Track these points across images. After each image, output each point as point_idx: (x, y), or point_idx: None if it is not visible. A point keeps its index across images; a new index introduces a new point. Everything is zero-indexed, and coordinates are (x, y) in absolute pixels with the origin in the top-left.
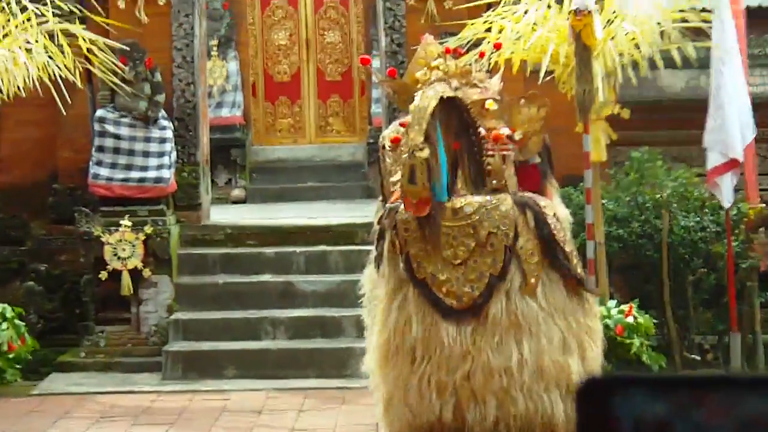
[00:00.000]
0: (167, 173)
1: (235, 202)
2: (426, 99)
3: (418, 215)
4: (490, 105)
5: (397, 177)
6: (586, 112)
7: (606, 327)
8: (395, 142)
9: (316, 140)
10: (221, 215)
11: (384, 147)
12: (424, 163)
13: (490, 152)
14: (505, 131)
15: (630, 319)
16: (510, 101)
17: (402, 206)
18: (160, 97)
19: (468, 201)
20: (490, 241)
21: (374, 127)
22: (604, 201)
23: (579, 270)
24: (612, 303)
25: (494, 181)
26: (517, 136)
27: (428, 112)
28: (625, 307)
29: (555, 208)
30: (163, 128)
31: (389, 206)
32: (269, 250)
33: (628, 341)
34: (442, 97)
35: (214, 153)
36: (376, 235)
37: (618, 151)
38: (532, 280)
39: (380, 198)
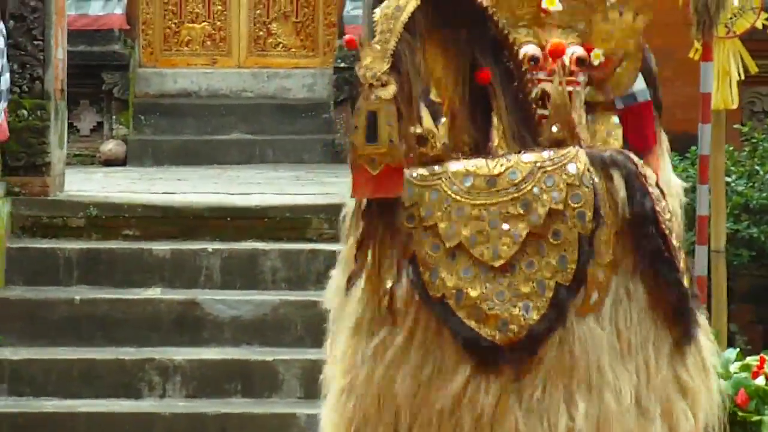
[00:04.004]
0: None
1: (107, 163)
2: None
3: (380, 196)
4: (551, 3)
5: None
6: (710, 25)
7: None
8: None
9: (249, 61)
10: (83, 185)
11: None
12: (390, 106)
13: (545, 79)
14: (577, 50)
15: (761, 381)
16: (590, 1)
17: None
18: None
19: (513, 161)
20: (553, 227)
21: (347, 42)
22: (729, 179)
23: (686, 282)
24: (731, 352)
25: (554, 128)
26: (596, 60)
27: (400, 22)
28: (754, 360)
29: (662, 172)
30: None
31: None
32: (161, 247)
33: (755, 418)
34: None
35: (74, 78)
36: (352, 223)
37: (758, 94)
38: (596, 294)
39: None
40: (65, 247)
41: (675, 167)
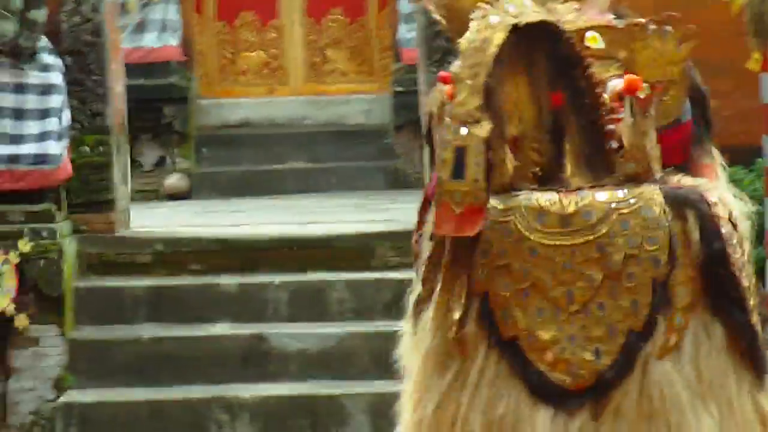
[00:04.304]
0: (56, 147)
1: (171, 197)
2: (484, 31)
3: (461, 234)
4: (593, 40)
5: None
6: (767, 34)
7: None
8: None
9: (306, 89)
10: (148, 220)
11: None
12: (480, 145)
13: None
14: (618, 84)
15: None
16: (628, 29)
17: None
18: (39, 14)
19: (587, 200)
20: (627, 271)
21: (405, 65)
22: None
23: (755, 320)
24: None
25: (629, 165)
26: (642, 93)
27: (489, 56)
28: None
29: (727, 201)
30: (46, 68)
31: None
32: (228, 281)
33: None
34: (516, 26)
35: (134, 112)
36: (423, 255)
37: None
38: (674, 337)
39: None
40: (132, 284)
41: (741, 180)
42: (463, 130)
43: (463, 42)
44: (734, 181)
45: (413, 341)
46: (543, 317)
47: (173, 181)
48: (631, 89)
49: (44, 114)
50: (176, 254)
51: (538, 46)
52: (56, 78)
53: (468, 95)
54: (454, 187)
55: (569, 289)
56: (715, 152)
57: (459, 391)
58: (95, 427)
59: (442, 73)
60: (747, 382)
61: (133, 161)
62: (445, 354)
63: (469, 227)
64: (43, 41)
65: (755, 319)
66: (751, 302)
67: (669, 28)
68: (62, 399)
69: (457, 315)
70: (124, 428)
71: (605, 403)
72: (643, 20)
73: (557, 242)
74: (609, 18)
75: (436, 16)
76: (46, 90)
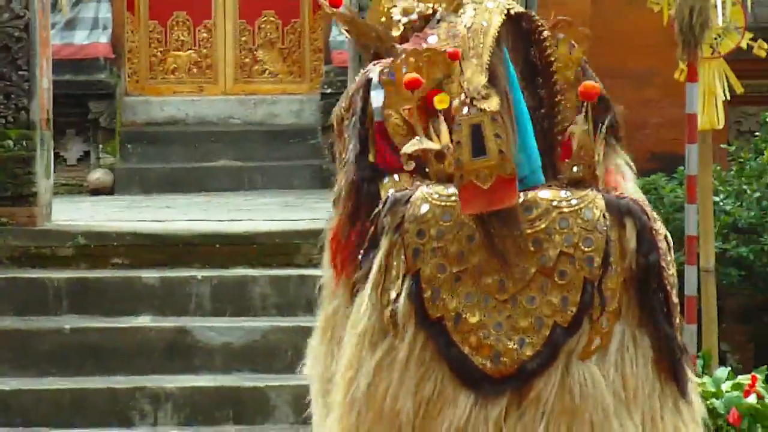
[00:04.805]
0: None
1: (95, 192)
2: (482, 14)
3: (495, 208)
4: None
5: (411, 145)
6: (695, 46)
7: (712, 412)
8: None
9: (235, 88)
10: (71, 214)
11: (349, 111)
12: (496, 117)
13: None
14: None
15: (753, 400)
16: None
17: (419, 196)
18: None
19: (530, 196)
20: (560, 268)
21: (335, 67)
22: (717, 198)
23: (680, 339)
24: (723, 371)
25: (575, 168)
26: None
27: (490, 36)
28: (745, 379)
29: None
30: None
31: (395, 195)
32: (151, 275)
33: None
34: (508, 13)
35: (60, 107)
36: (368, 242)
37: (744, 113)
38: (598, 340)
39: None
40: (54, 276)
41: (663, 187)
42: (475, 108)
43: (461, 27)
44: (655, 188)
45: (349, 321)
46: (471, 302)
47: (97, 176)
48: (587, 95)
49: None
50: (98, 248)
51: (516, 45)
52: None
53: (474, 73)
54: (477, 166)
55: (502, 279)
56: (623, 154)
57: (389, 370)
58: (17, 415)
59: (450, 50)
60: (670, 397)
61: (57, 155)
62: (379, 332)
63: (506, 198)
64: None
65: (680, 338)
66: (677, 321)
67: (561, 34)
68: None
69: (393, 295)
70: (47, 416)
71: (526, 392)
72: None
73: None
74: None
75: (342, 30)
76: None
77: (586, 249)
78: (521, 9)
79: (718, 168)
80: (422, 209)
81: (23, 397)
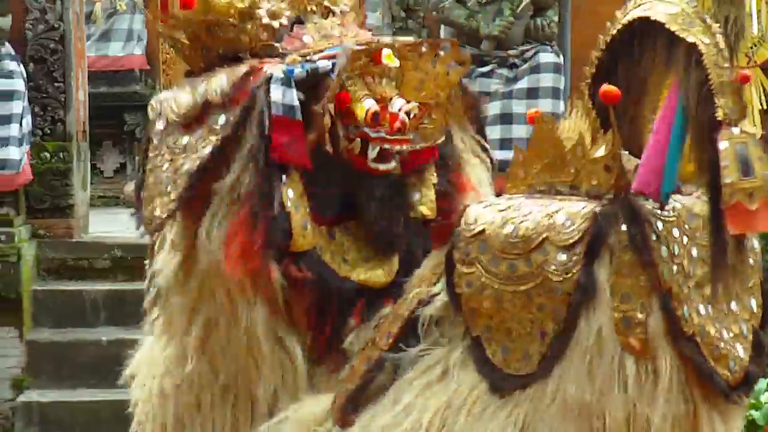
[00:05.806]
0: (16, 152)
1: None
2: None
3: (758, 231)
4: (389, 58)
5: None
6: (730, 55)
7: (752, 424)
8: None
9: None
10: (107, 226)
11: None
12: (756, 139)
13: (389, 139)
14: (400, 103)
15: None
16: (401, 48)
17: (648, 211)
18: (4, 21)
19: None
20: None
21: None
22: None
23: None
24: (763, 382)
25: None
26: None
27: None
28: None
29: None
30: (9, 75)
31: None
32: None
33: None
34: None
35: (96, 119)
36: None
37: None
38: None
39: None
40: (91, 288)
41: None
42: (735, 130)
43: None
44: None
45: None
46: (706, 314)
47: (134, 187)
48: (608, 97)
49: (6, 120)
50: (135, 260)
51: None
52: (19, 84)
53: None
54: (745, 186)
55: (716, 288)
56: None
57: (649, 391)
58: (55, 427)
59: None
60: None
61: (94, 168)
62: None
63: (765, 223)
64: (7, 48)
65: None
66: None
67: (443, 52)
68: (20, 399)
69: (640, 316)
70: (84, 428)
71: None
72: (417, 41)
73: (707, 243)
74: (369, 36)
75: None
76: (9, 96)
77: (756, 252)
78: None
79: None
80: (659, 226)
81: (61, 408)
